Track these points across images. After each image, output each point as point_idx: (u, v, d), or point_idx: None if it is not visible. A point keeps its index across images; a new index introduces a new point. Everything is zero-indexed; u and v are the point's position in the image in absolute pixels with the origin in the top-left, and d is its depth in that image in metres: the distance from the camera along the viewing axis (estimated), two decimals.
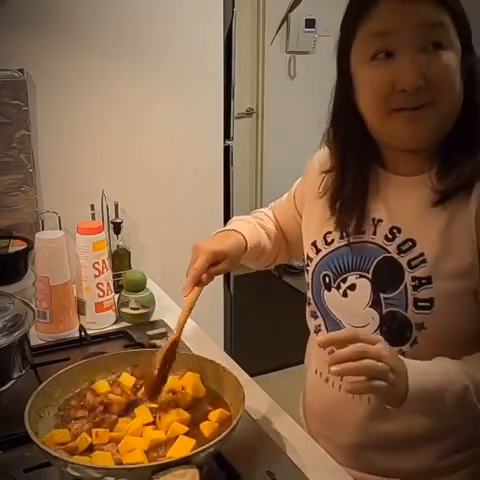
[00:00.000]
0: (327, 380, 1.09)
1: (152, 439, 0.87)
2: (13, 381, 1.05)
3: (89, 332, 1.38)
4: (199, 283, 1.04)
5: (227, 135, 1.99)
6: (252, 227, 1.20)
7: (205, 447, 0.82)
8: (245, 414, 1.04)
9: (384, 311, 0.99)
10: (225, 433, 0.85)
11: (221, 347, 1.94)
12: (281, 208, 1.30)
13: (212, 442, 0.83)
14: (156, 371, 0.96)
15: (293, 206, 1.24)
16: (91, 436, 0.89)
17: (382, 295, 0.99)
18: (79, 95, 1.65)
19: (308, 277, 1.11)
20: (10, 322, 1.05)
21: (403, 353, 0.96)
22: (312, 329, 1.14)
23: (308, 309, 1.13)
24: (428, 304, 0.94)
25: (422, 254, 0.95)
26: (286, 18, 4.11)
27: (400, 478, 1.04)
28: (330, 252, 1.07)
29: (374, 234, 1.01)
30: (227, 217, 1.99)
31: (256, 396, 1.14)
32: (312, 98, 4.44)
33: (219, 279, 2.04)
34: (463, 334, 0.96)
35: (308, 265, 1.11)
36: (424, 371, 0.87)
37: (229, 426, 0.87)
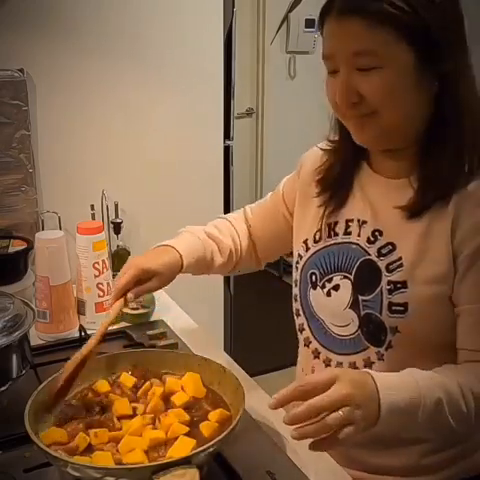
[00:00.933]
0: None
1: (152, 438, 0.87)
2: (13, 381, 1.05)
3: (89, 332, 1.37)
4: (124, 298, 1.06)
5: (227, 135, 1.99)
6: (196, 242, 1.20)
7: (205, 447, 0.82)
8: (245, 414, 1.04)
9: (362, 313, 1.00)
10: (225, 433, 0.85)
11: (221, 347, 1.94)
12: (263, 208, 1.30)
13: (212, 442, 0.83)
14: (62, 380, 0.95)
15: (282, 203, 1.24)
16: (89, 436, 0.89)
17: (360, 297, 1.01)
18: (79, 95, 1.65)
19: (297, 274, 1.13)
20: (10, 322, 1.05)
21: (381, 355, 0.99)
22: (297, 327, 1.15)
23: (294, 306, 1.15)
24: (402, 308, 0.95)
25: (400, 258, 0.97)
26: (286, 18, 4.10)
27: (389, 475, 1.05)
28: (318, 250, 1.09)
29: (359, 235, 1.04)
30: None
31: (256, 396, 1.14)
32: (312, 98, 4.45)
33: (219, 279, 2.04)
34: (438, 339, 0.97)
35: (297, 262, 1.13)
36: (396, 389, 0.84)
37: (229, 426, 0.87)
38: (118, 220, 1.71)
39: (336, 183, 1.08)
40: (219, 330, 2.08)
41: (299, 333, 1.15)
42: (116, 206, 1.72)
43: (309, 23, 4.09)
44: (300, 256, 1.12)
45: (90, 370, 1.03)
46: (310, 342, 1.11)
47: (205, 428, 0.91)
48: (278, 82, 4.23)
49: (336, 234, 1.07)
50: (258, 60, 4.18)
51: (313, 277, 1.08)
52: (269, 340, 3.37)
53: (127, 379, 1.02)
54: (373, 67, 0.90)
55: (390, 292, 0.96)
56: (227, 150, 2.01)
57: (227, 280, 2.14)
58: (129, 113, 1.73)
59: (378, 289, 0.98)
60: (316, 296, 1.08)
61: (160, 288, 1.12)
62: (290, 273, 1.15)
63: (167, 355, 1.10)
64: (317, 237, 1.09)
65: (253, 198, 4.56)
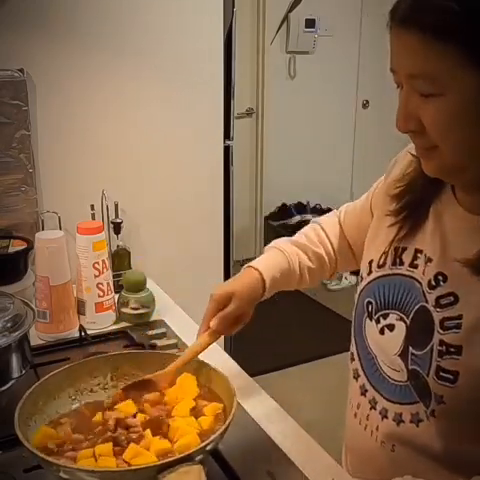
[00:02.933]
0: (355, 415, 1.02)
1: (158, 449, 0.85)
2: (13, 381, 1.05)
3: (89, 332, 1.38)
4: (212, 332, 1.03)
5: (227, 135, 1.99)
6: (277, 255, 1.13)
7: (206, 443, 0.81)
8: (245, 414, 1.04)
9: (410, 367, 0.88)
10: (224, 427, 0.84)
11: (221, 347, 1.94)
12: (354, 215, 1.17)
13: (212, 437, 0.82)
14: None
15: (368, 213, 1.10)
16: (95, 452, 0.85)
17: (411, 349, 0.88)
18: (79, 95, 1.65)
19: (356, 296, 1.02)
20: (10, 322, 1.05)
21: (428, 416, 0.87)
22: (349, 355, 1.05)
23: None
24: (451, 377, 0.82)
25: (460, 317, 0.82)
26: (286, 18, 4.11)
27: None
28: (379, 277, 0.97)
29: (423, 274, 0.89)
30: (227, 217, 1.99)
31: (256, 396, 1.14)
32: (312, 98, 4.46)
33: (219, 279, 2.04)
34: None
35: (358, 284, 1.03)
36: None
37: (224, 419, 0.87)
38: (118, 220, 1.71)
39: (414, 202, 0.93)
40: None
41: (350, 361, 1.04)
42: (116, 206, 1.72)
43: (309, 23, 4.09)
44: (362, 278, 1.01)
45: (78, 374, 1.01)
46: (359, 375, 1.01)
47: (202, 423, 0.90)
48: (278, 82, 4.24)
49: (402, 263, 0.93)
50: (258, 60, 4.18)
51: (369, 307, 0.97)
52: (269, 340, 3.37)
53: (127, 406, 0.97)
54: (431, 94, 0.75)
55: (441, 354, 0.83)
56: (227, 150, 2.00)
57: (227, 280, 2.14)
58: (129, 113, 1.73)
59: (429, 347, 0.84)
60: (370, 329, 0.97)
61: (242, 309, 1.06)
62: None
63: (148, 356, 1.07)
64: (381, 261, 0.96)
65: (253, 198, 4.56)
